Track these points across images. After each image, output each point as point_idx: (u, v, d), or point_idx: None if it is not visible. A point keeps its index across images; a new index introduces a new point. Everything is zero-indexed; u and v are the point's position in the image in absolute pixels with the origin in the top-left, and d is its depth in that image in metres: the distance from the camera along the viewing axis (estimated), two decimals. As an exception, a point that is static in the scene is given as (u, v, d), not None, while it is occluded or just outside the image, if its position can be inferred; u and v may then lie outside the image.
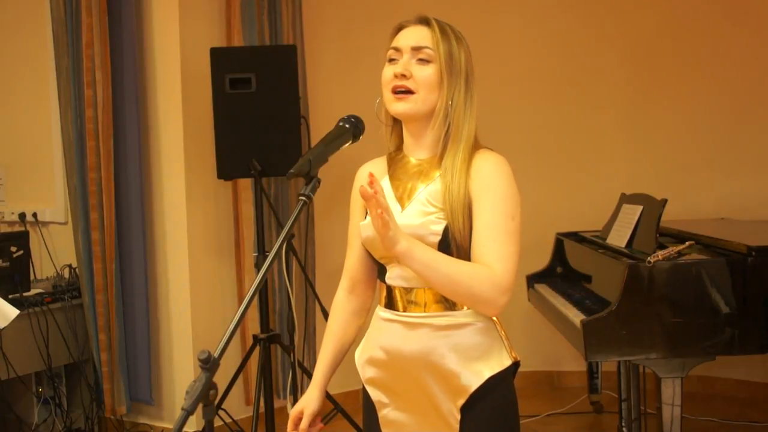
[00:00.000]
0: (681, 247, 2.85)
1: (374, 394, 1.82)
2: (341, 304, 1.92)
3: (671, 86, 4.56)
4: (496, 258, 1.64)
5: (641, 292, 2.71)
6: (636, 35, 4.59)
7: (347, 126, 1.69)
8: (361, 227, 1.79)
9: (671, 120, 4.58)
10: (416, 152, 1.80)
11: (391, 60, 1.76)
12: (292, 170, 1.55)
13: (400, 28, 1.79)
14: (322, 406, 1.86)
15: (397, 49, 1.76)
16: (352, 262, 1.90)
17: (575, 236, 3.78)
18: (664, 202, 3.01)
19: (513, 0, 4.66)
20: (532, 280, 3.84)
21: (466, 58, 1.77)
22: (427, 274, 1.61)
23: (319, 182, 1.57)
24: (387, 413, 1.81)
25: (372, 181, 1.52)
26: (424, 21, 1.77)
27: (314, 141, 3.56)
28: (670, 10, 4.54)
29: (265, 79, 3.53)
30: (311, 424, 1.84)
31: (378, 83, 1.78)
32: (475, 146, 1.76)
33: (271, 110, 3.53)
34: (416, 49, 1.73)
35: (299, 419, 1.84)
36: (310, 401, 1.84)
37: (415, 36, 1.75)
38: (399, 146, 1.86)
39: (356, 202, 1.88)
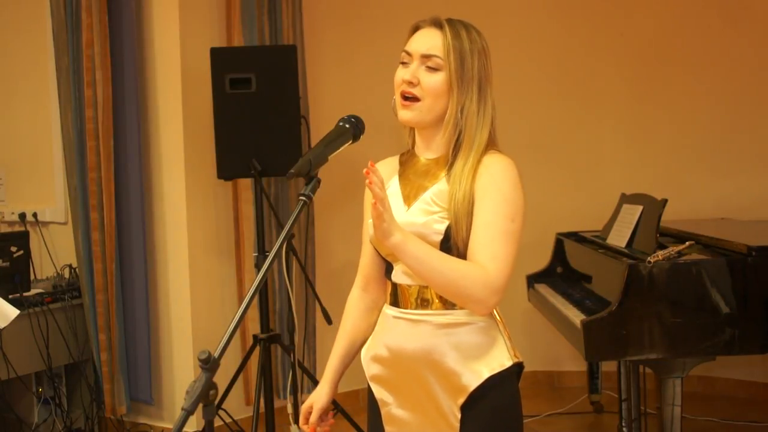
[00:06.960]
0: (681, 247, 2.85)
1: (377, 392, 1.83)
2: (354, 302, 1.93)
3: (671, 86, 4.56)
4: (491, 258, 1.63)
5: (641, 292, 2.71)
6: (635, 36, 4.59)
7: (347, 126, 1.69)
8: (368, 225, 1.79)
9: (671, 120, 4.57)
10: (425, 153, 1.81)
11: (403, 63, 1.76)
12: (292, 170, 1.55)
13: (416, 29, 1.77)
14: (331, 402, 1.89)
15: (408, 53, 1.75)
16: (365, 261, 1.91)
17: (575, 236, 3.77)
18: (664, 202, 3.01)
19: (512, 1, 4.66)
20: (532, 280, 3.84)
21: (480, 63, 1.74)
22: (419, 268, 1.62)
23: (319, 182, 1.57)
24: (389, 411, 1.81)
25: (368, 171, 1.52)
26: (438, 24, 1.74)
27: (314, 141, 3.56)
28: (669, 12, 4.54)
29: (265, 79, 3.52)
30: (321, 419, 1.87)
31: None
32: (487, 148, 1.74)
33: (271, 110, 3.52)
34: (425, 57, 1.72)
35: (310, 413, 1.87)
36: (319, 396, 1.88)
37: (426, 42, 1.73)
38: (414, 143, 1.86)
39: (368, 202, 1.89)
